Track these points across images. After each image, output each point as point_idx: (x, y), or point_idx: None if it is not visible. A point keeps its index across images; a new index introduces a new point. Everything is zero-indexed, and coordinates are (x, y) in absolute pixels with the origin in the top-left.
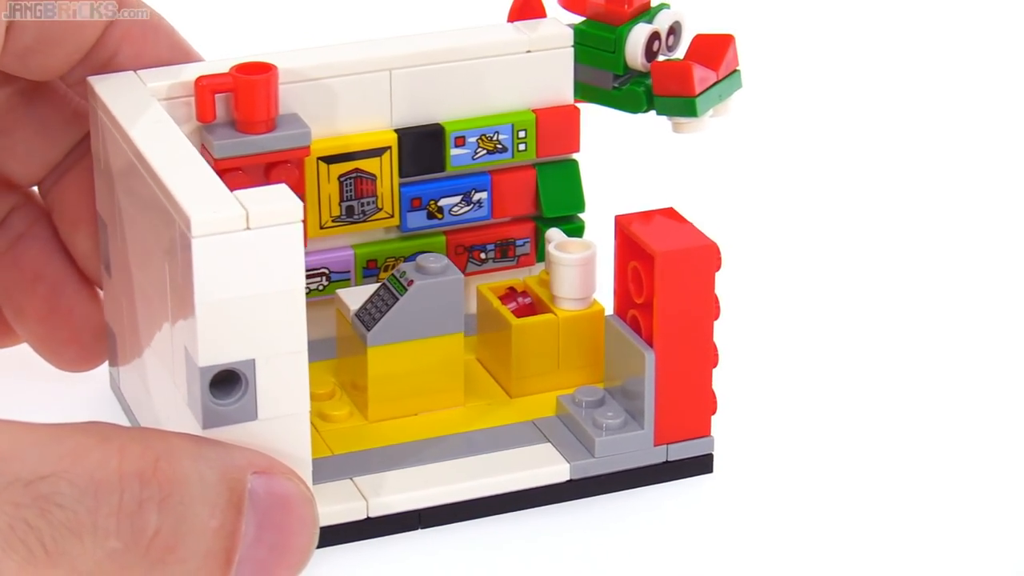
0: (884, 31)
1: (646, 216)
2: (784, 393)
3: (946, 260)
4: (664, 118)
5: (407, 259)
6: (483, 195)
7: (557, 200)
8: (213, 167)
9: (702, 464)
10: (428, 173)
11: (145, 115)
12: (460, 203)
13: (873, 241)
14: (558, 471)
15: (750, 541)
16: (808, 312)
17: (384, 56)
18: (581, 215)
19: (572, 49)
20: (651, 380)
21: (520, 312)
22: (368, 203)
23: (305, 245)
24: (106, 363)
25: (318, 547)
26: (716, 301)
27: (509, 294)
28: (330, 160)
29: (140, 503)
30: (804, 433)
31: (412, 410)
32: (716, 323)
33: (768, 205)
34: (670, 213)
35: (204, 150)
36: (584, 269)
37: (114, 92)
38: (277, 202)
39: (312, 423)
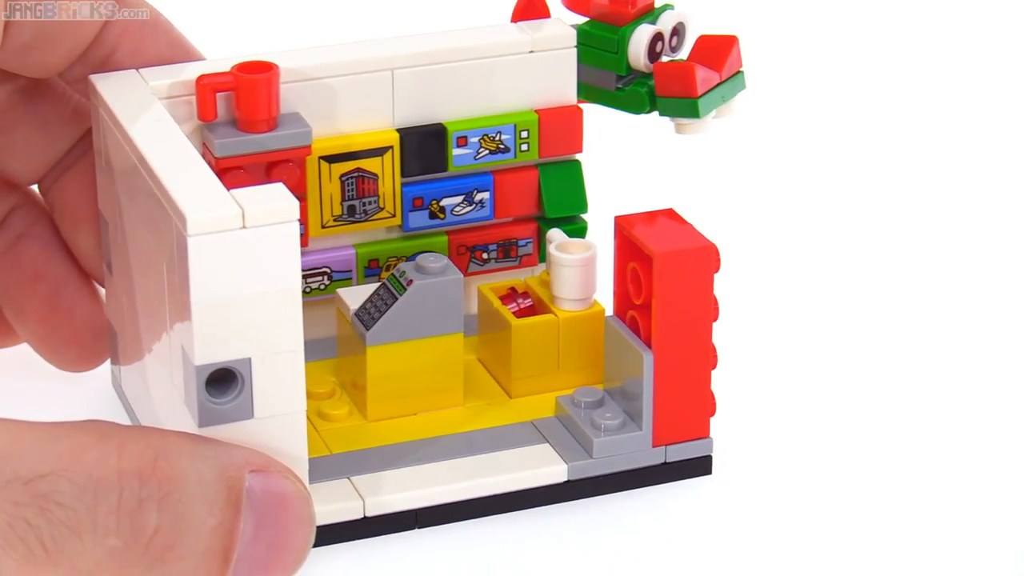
0: (887, 33)
1: (645, 217)
2: (783, 395)
3: (946, 261)
4: (667, 119)
5: (408, 259)
6: (485, 195)
7: (559, 200)
8: (214, 166)
9: (701, 465)
10: (430, 173)
11: (145, 114)
12: (462, 203)
13: (873, 243)
14: (556, 472)
15: (749, 543)
16: (808, 314)
17: (386, 56)
18: (584, 216)
19: (575, 50)
20: (650, 381)
21: (521, 313)
22: (370, 203)
23: (306, 244)
24: (108, 361)
25: (315, 546)
26: (715, 302)
27: (510, 294)
28: (332, 159)
29: (140, 501)
30: (803, 435)
31: (411, 410)
32: (715, 324)
33: (770, 206)
34: (670, 214)
35: (206, 149)
36: (584, 270)
37: (115, 90)
38: (273, 201)
39: (311, 422)
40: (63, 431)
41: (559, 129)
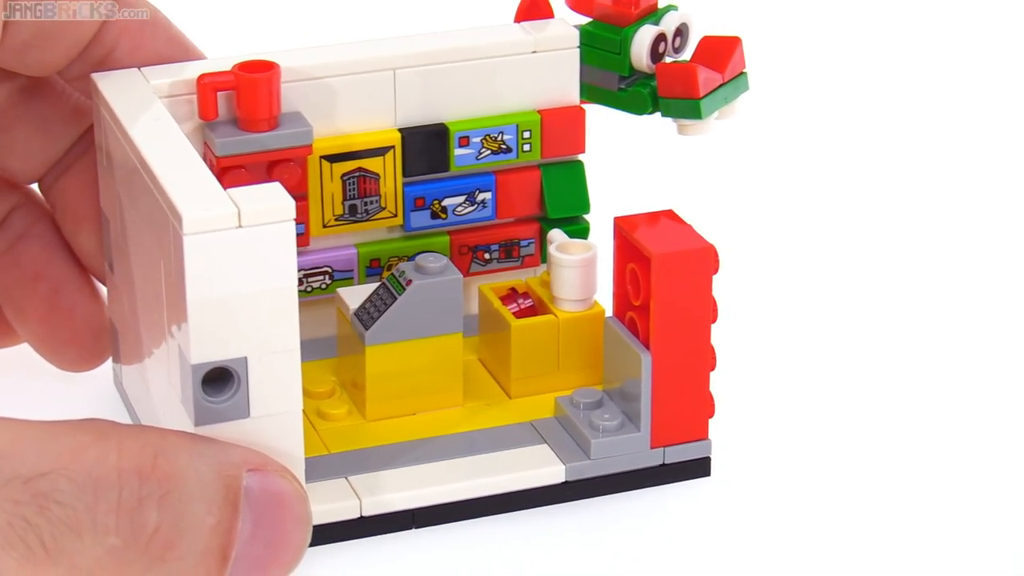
0: (890, 36)
1: (645, 218)
2: (783, 397)
3: (946, 265)
4: (669, 120)
5: (409, 259)
6: (487, 195)
7: (562, 201)
8: (215, 165)
9: (700, 467)
10: (432, 173)
11: (145, 113)
12: (464, 203)
13: (874, 246)
14: (553, 472)
15: (748, 545)
16: (808, 316)
17: (389, 55)
18: (586, 216)
19: (578, 50)
20: (648, 382)
21: (521, 314)
22: (371, 202)
23: (308, 243)
24: (109, 360)
25: (311, 545)
26: (714, 304)
27: (510, 295)
28: (333, 159)
29: (139, 500)
30: (803, 437)
31: (410, 409)
32: (714, 326)
33: (772, 208)
34: (669, 215)
35: (207, 148)
36: (584, 270)
37: (116, 89)
38: (269, 200)
39: (310, 421)
40: (62, 430)
41: (561, 129)
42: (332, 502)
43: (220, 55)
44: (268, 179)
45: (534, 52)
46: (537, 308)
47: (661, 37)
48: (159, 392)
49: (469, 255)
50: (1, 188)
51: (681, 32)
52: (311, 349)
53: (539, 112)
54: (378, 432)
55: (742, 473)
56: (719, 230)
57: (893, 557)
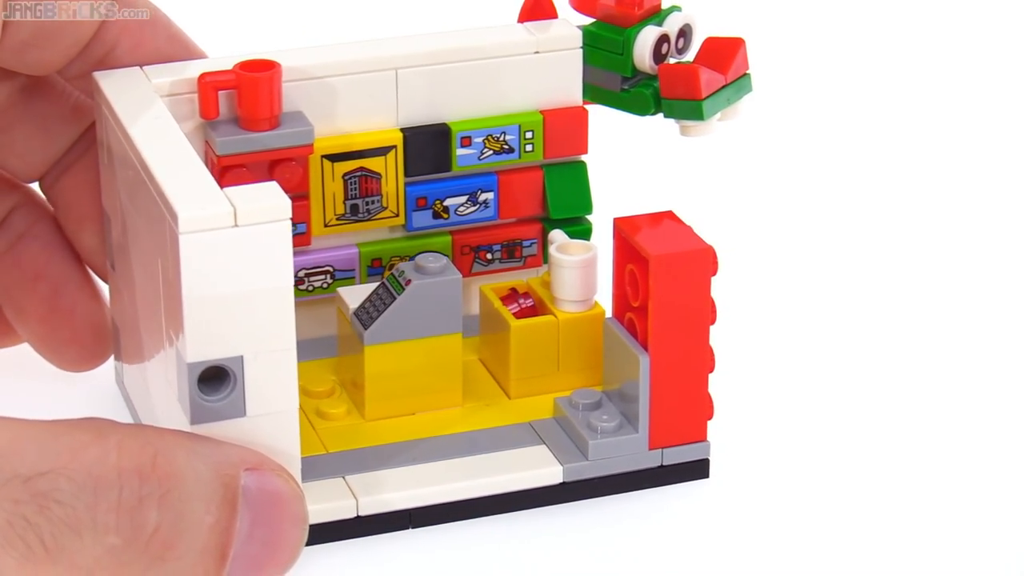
0: (894, 40)
1: (644, 219)
2: (782, 399)
3: (945, 267)
4: (672, 121)
5: (410, 259)
6: (489, 195)
7: (564, 202)
8: (216, 164)
9: (698, 469)
10: (434, 173)
11: (145, 111)
12: (466, 203)
13: (875, 249)
14: (551, 473)
15: (746, 547)
16: (808, 318)
17: (391, 55)
18: (589, 217)
19: (581, 51)
20: (646, 383)
21: (521, 314)
22: (373, 202)
23: (309, 243)
24: (111, 359)
25: (308, 544)
26: (712, 305)
27: (511, 295)
28: (335, 158)
29: (140, 499)
30: (802, 439)
31: (409, 409)
32: (714, 328)
33: (774, 210)
34: (669, 216)
35: (208, 147)
36: (584, 271)
37: (117, 88)
38: (266, 199)
39: (309, 421)
40: (61, 429)
41: (564, 130)
42: (329, 501)
43: (222, 54)
44: (270, 178)
45: (537, 52)
46: (538, 308)
47: (664, 38)
48: (158, 390)
49: (471, 255)
50: (1, 188)
51: (685, 33)
52: (312, 348)
53: (542, 112)
54: (377, 432)
55: (741, 475)
56: (721, 231)
57: (892, 558)
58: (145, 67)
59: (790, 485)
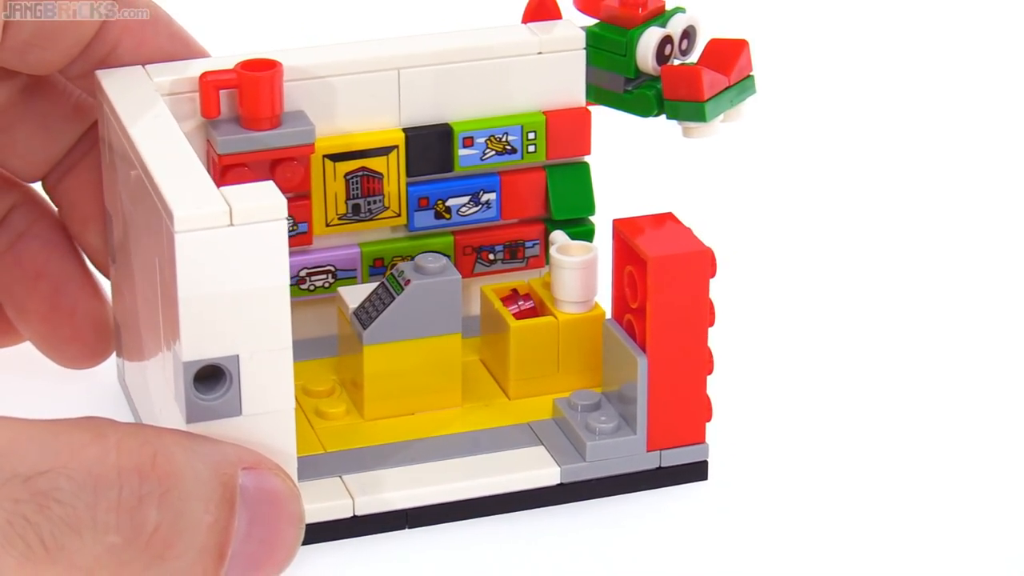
0: (898, 45)
1: (643, 220)
2: (781, 401)
3: (945, 271)
4: (674, 122)
5: (411, 259)
6: (492, 196)
7: (567, 203)
8: (217, 163)
9: (696, 471)
10: (436, 173)
11: (145, 110)
12: (468, 203)
13: (875, 253)
14: (548, 474)
15: (745, 550)
16: (808, 320)
17: (393, 55)
18: (591, 218)
19: (584, 51)
20: (644, 385)
21: (521, 315)
22: (375, 202)
23: (310, 242)
24: (112, 357)
25: (305, 544)
26: (711, 307)
27: (511, 296)
28: (336, 158)
29: (140, 498)
30: (800, 441)
31: (408, 409)
32: (712, 329)
33: (776, 212)
34: (668, 218)
35: (209, 146)
36: (585, 272)
37: (119, 86)
38: (261, 199)
39: (308, 420)
40: (61, 428)
41: (567, 131)
42: (325, 501)
43: (224, 53)
44: (271, 178)
45: (540, 53)
46: (538, 309)
47: (667, 39)
48: (157, 389)
49: (473, 256)
50: (1, 186)
51: (688, 35)
52: (313, 348)
53: (544, 113)
54: (375, 431)
55: (739, 477)
56: (723, 233)
57: (891, 561)
58: (147, 66)
59: (789, 487)
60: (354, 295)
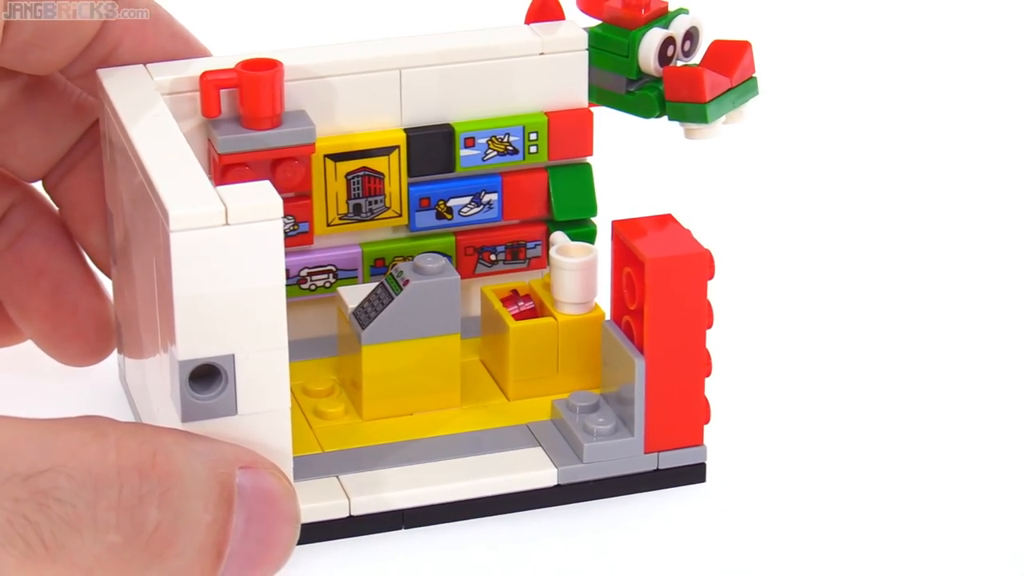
0: (901, 48)
1: (642, 222)
2: (779, 403)
3: (944, 273)
4: (676, 124)
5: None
6: (493, 196)
7: (569, 204)
8: (218, 162)
9: (694, 473)
10: (437, 173)
11: (145, 109)
12: (470, 204)
13: (875, 255)
14: (546, 475)
15: (742, 552)
16: (807, 322)
17: (395, 55)
18: (593, 219)
19: (587, 52)
20: (642, 387)
21: (521, 316)
22: (376, 202)
23: (311, 242)
24: (113, 355)
25: (300, 543)
26: (709, 309)
27: (511, 297)
28: (337, 158)
29: (140, 497)
30: (799, 443)
31: (407, 410)
32: (711, 332)
33: (778, 213)
34: (667, 219)
35: (210, 145)
36: (585, 273)
37: (119, 86)
38: (257, 199)
39: (307, 420)
40: (61, 427)
41: (569, 132)
42: (322, 500)
43: (225, 53)
44: (272, 177)
45: (542, 54)
46: (538, 310)
47: (669, 40)
48: (155, 387)
49: (475, 256)
50: (1, 185)
51: (691, 36)
52: (314, 348)
53: (546, 114)
54: (373, 432)
55: (737, 480)
56: (724, 235)
57: (890, 563)
58: (148, 65)
59: (787, 490)
60: (354, 295)
